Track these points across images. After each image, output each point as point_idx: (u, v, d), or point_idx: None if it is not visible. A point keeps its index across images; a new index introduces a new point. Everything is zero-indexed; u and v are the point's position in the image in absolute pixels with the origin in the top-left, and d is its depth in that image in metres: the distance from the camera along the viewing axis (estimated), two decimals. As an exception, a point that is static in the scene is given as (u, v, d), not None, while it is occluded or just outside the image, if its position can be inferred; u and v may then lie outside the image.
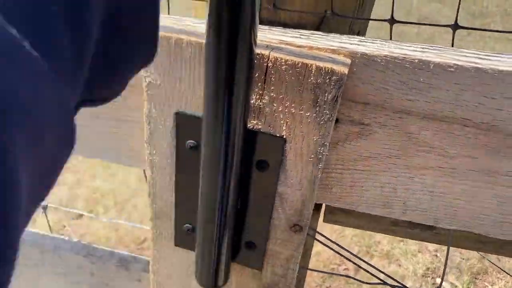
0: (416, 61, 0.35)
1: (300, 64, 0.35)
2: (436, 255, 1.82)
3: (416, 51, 0.36)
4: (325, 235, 0.55)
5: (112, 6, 0.21)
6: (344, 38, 0.38)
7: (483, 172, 0.39)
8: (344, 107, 0.38)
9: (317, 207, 0.54)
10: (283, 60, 0.35)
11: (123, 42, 0.23)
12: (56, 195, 2.12)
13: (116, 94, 0.26)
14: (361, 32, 0.44)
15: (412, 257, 1.80)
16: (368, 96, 0.37)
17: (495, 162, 0.38)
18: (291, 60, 0.35)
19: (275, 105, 0.37)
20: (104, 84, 0.24)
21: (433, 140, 0.38)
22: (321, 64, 0.34)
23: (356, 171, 0.42)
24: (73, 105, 0.20)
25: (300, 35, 0.38)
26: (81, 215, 2.01)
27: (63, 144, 0.19)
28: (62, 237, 0.67)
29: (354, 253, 1.82)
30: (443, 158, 0.39)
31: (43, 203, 0.67)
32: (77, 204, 2.09)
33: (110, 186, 2.16)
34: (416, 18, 3.92)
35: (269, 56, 0.35)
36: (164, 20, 0.40)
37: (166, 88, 0.39)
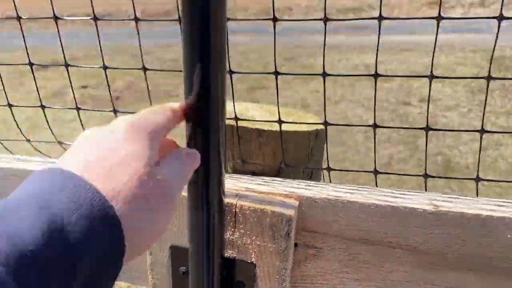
0: (345, 201, 0.46)
1: (259, 210, 0.47)
2: None
3: (347, 192, 0.48)
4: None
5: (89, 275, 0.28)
6: (295, 183, 0.50)
7: (417, 282, 0.48)
8: (300, 235, 0.49)
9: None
10: (247, 207, 0.47)
11: None
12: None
13: None
14: (314, 172, 0.56)
15: None
16: (315, 227, 0.48)
17: (423, 275, 0.48)
18: (253, 206, 0.47)
19: (244, 239, 0.48)
20: None
21: (371, 259, 0.48)
22: (274, 209, 0.46)
23: (318, 285, 0.52)
24: None
25: (263, 182, 0.51)
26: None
27: None
28: None
29: None
30: (382, 272, 0.49)
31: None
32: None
33: None
34: (418, 98, 4.12)
35: (236, 204, 0.47)
36: (161, 174, 0.53)
37: (163, 228, 0.51)
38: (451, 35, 6.42)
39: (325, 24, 0.45)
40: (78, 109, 0.58)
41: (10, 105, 0.59)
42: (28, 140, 0.62)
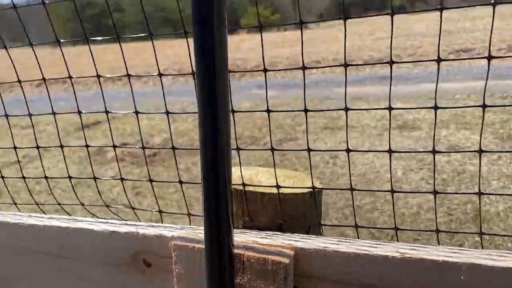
0: (332, 251, 0.58)
1: (262, 259, 0.59)
2: None
3: (333, 244, 0.59)
4: None
5: None
6: (292, 237, 0.62)
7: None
8: (298, 278, 0.61)
9: None
10: (252, 256, 0.59)
11: None
12: None
13: None
14: (311, 226, 0.68)
15: None
16: (309, 272, 0.60)
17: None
18: (257, 256, 0.59)
19: (251, 282, 0.60)
20: None
21: (357, 299, 0.59)
22: (274, 258, 0.58)
23: (315, 322, 0.62)
24: None
25: (266, 235, 0.63)
26: None
27: None
28: None
29: None
30: (366, 311, 0.59)
31: None
32: None
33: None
34: (446, 147, 4.14)
35: (244, 254, 0.59)
36: (186, 230, 0.66)
37: (188, 275, 0.63)
38: (479, 82, 6.46)
39: (306, 115, 0.58)
40: (122, 179, 0.73)
41: (70, 178, 0.74)
42: (82, 204, 0.77)
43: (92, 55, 0.79)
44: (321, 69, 10.16)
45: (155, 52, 0.63)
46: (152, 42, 0.71)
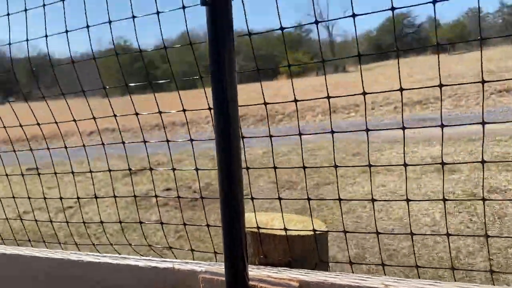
0: (329, 283, 0.70)
1: (272, 289, 0.71)
2: None
3: (331, 277, 0.71)
4: None
5: None
6: (298, 272, 0.75)
7: None
8: (303, 308, 0.73)
9: None
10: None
11: None
12: None
13: None
14: (317, 263, 0.80)
15: None
16: (312, 302, 0.72)
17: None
18: (269, 287, 0.72)
19: (264, 309, 0.73)
20: None
21: (352, 325, 0.70)
22: (282, 288, 0.71)
23: None
24: None
25: (277, 270, 0.76)
26: None
27: None
28: None
29: None
30: (361, 336, 0.70)
31: None
32: None
33: None
34: (486, 189, 4.08)
35: (258, 286, 0.73)
36: (212, 265, 0.80)
37: (212, 303, 0.77)
38: (522, 122, 6.31)
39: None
40: (162, 223, 0.89)
41: (121, 222, 0.91)
42: (130, 244, 0.93)
43: (138, 119, 0.97)
44: (359, 112, 10.26)
45: (186, 118, 0.80)
46: (182, 106, 0.89)
